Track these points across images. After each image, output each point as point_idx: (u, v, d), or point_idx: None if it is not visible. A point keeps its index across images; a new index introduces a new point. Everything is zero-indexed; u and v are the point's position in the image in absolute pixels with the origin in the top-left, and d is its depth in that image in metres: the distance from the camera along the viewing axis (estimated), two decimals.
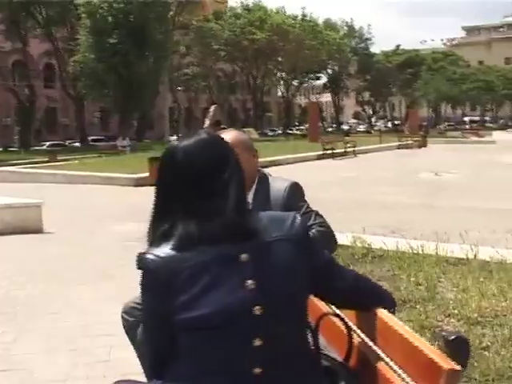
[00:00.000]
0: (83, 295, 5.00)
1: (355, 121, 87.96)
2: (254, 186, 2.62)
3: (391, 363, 1.60)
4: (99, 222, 8.96)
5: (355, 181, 14.87)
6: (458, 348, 1.38)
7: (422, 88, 65.85)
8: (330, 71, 70.78)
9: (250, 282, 1.46)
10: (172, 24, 45.71)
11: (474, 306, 3.49)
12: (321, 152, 23.11)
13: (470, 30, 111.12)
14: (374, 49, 74.76)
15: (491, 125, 69.18)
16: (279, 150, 22.81)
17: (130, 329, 2.75)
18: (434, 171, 16.47)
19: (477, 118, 77.65)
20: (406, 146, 30.27)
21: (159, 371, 1.57)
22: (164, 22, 40.05)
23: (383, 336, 1.64)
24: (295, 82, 68.36)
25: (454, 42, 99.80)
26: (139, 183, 14.23)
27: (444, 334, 1.42)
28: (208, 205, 1.49)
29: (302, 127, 67.66)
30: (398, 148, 29.93)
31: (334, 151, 23.49)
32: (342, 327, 1.79)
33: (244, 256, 1.48)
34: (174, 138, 50.93)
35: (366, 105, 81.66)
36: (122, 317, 2.76)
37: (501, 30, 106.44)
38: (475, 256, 4.78)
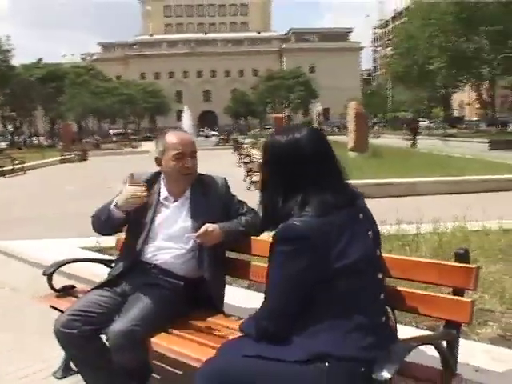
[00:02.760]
0: None
1: None
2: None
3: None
4: None
5: (52, 196, 14.21)
6: (465, 258, 2.14)
7: (69, 102, 65.63)
8: None
9: (370, 232, 2.04)
10: None
11: None
12: None
13: (106, 47, 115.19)
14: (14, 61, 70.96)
15: (135, 136, 71.86)
16: None
17: (70, 342, 2.71)
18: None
19: (121, 131, 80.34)
20: (69, 160, 30.59)
21: (285, 327, 1.96)
22: None
23: (397, 269, 2.30)
24: None
25: (93, 57, 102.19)
26: None
27: (455, 251, 2.16)
28: (335, 179, 2.02)
29: None
30: (62, 162, 29.87)
31: (3, 168, 22.33)
32: None
33: (361, 215, 2.04)
34: None
35: (7, 120, 77.47)
36: (61, 332, 2.69)
37: (135, 47, 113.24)
38: None
